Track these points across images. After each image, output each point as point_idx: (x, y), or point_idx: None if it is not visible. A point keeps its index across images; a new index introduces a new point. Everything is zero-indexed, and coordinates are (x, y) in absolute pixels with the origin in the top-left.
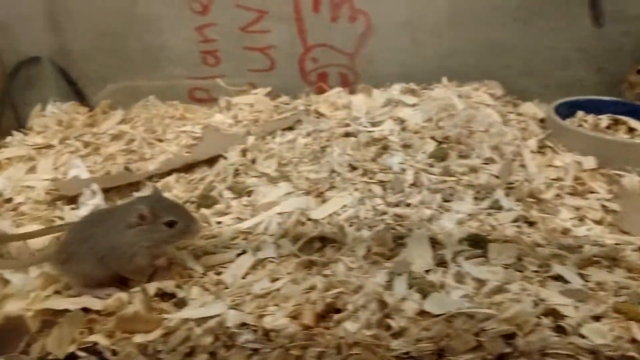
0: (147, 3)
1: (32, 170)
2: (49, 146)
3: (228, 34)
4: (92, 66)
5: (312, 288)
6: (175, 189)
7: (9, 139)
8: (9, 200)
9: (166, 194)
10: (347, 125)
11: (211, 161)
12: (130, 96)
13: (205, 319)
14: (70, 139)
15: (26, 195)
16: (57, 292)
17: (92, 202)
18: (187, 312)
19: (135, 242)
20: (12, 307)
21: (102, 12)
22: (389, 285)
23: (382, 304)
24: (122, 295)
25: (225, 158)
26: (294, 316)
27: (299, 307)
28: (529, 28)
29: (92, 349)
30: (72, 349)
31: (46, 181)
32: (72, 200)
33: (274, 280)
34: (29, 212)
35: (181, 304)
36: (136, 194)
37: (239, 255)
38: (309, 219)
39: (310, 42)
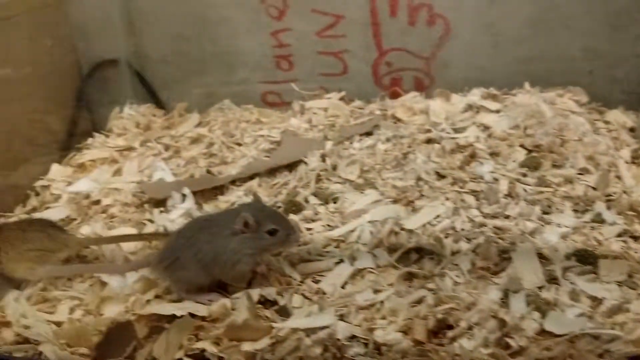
0: (222, 8)
1: (117, 172)
2: (130, 148)
3: (302, 39)
4: (166, 69)
5: (419, 302)
6: (259, 193)
7: (90, 140)
8: (97, 202)
9: (250, 199)
10: (428, 131)
11: (291, 166)
12: (204, 99)
13: (314, 330)
14: (151, 141)
15: (114, 197)
16: (157, 297)
17: (182, 205)
18: (295, 322)
19: (238, 249)
20: (111, 311)
21: (177, 15)
22: (503, 302)
23: (501, 322)
24: (226, 302)
25: (305, 163)
26: (405, 331)
27: (409, 322)
28: (618, 34)
29: (199, 356)
30: (179, 355)
31: (132, 183)
32: (160, 203)
33: (377, 291)
34: (119, 215)
35: (283, 312)
36: (221, 198)
37: (336, 263)
38: (403, 229)
39: (386, 46)
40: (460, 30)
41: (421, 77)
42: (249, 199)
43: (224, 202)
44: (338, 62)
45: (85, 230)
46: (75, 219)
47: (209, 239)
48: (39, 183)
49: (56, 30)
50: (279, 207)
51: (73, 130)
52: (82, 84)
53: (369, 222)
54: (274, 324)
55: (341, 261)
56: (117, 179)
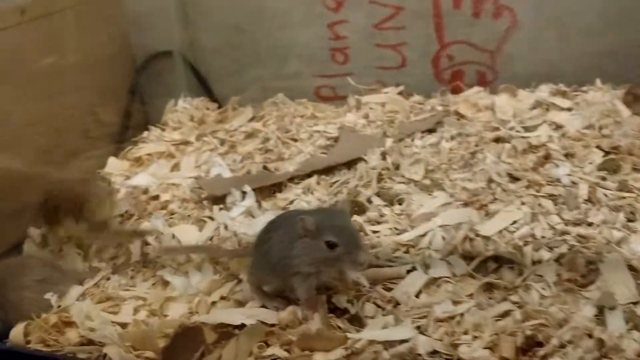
0: None
1: (175, 167)
2: (186, 142)
3: (359, 31)
4: (220, 61)
5: (504, 316)
6: (317, 192)
7: (145, 134)
8: (156, 197)
9: (308, 197)
10: (496, 129)
11: (349, 163)
12: (257, 93)
13: (393, 343)
14: (206, 135)
15: (172, 193)
16: (223, 298)
17: (243, 203)
18: (372, 333)
19: (298, 254)
20: (175, 312)
21: (232, 7)
22: (597, 319)
23: (598, 342)
24: (296, 309)
25: (365, 161)
26: (491, 347)
27: (495, 338)
28: None
29: None
30: None
31: (190, 179)
32: (218, 200)
33: (456, 303)
34: (178, 211)
35: (355, 321)
36: (279, 195)
37: (408, 271)
38: (478, 235)
39: (448, 38)
40: (526, 22)
41: (484, 71)
42: (308, 198)
43: (282, 199)
44: (396, 55)
45: (145, 227)
46: (133, 215)
47: (281, 238)
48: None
49: (110, 21)
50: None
51: (127, 123)
52: (136, 76)
53: (440, 226)
54: (348, 335)
55: (413, 268)
56: (175, 174)
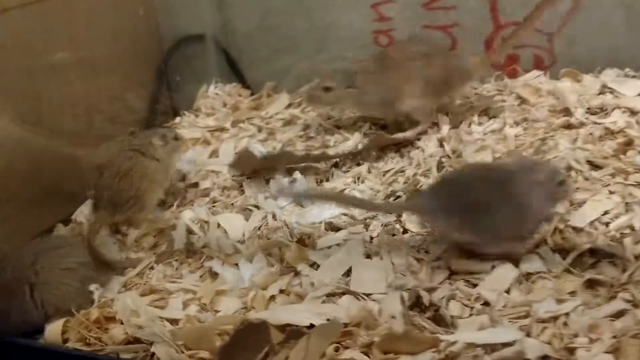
0: None
1: (214, 154)
2: (221, 129)
3: (406, 11)
4: (253, 46)
5: (617, 316)
6: (369, 181)
7: (177, 119)
8: (195, 184)
9: (360, 186)
10: (564, 114)
11: (400, 150)
12: (292, 78)
13: (494, 346)
14: (242, 122)
15: (212, 180)
16: (282, 292)
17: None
18: (470, 335)
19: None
20: (226, 307)
21: None
22: None
23: None
24: (370, 305)
25: (418, 147)
26: (611, 352)
27: (616, 341)
28: None
29: None
30: None
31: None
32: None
33: (560, 301)
34: (221, 199)
35: (439, 319)
36: (327, 184)
37: (493, 266)
38: (567, 226)
39: (503, 20)
40: (590, 5)
41: (542, 55)
42: (360, 187)
43: (330, 188)
44: (446, 37)
45: (188, 215)
46: (171, 205)
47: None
48: None
49: (140, 3)
50: (399, 196)
51: (154, 108)
52: (164, 60)
53: None
54: (441, 336)
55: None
56: (214, 161)
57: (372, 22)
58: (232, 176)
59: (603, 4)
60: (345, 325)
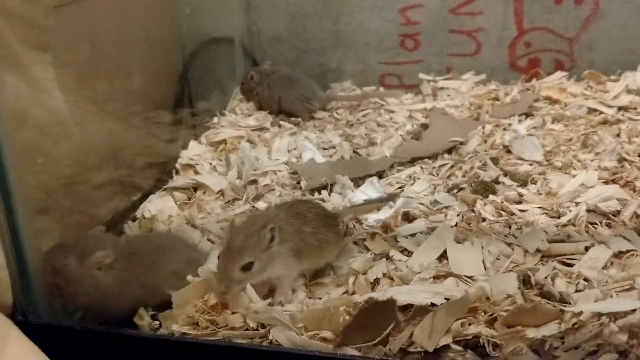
0: None
1: (267, 153)
2: (261, 128)
3: (434, 16)
4: (279, 49)
5: None
6: (422, 179)
7: (215, 119)
8: (253, 181)
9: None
10: (599, 112)
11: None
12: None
13: (617, 314)
14: (282, 121)
15: (270, 177)
16: (384, 275)
17: (366, 191)
18: (594, 305)
19: None
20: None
21: None
22: None
23: None
24: (485, 285)
25: (462, 143)
26: None
27: None
28: None
29: (469, 342)
30: (445, 341)
31: (283, 164)
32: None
33: None
34: (284, 196)
35: (548, 296)
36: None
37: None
38: None
39: (527, 25)
40: (609, 9)
41: (562, 59)
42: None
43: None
44: (471, 41)
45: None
46: (229, 201)
47: None
48: (181, 160)
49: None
50: (462, 188)
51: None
52: (188, 62)
53: (594, 204)
54: (566, 308)
55: (592, 245)
56: (267, 159)
57: (400, 26)
58: (290, 174)
59: (622, 11)
60: None
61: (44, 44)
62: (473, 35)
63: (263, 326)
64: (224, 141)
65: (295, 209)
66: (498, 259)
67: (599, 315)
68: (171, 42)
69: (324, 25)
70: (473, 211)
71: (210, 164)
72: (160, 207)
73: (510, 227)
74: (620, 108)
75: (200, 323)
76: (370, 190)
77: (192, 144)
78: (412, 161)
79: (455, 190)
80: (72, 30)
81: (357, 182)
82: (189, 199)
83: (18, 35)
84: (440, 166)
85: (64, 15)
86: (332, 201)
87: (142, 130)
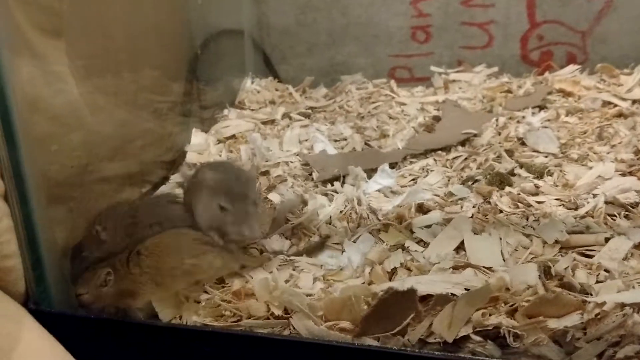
0: None
1: (278, 144)
2: (272, 121)
3: (445, 8)
4: (288, 41)
5: None
6: (435, 171)
7: (225, 111)
8: (265, 173)
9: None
10: (613, 105)
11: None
12: (324, 74)
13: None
14: (292, 113)
15: (282, 168)
16: (401, 265)
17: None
18: (617, 296)
19: None
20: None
21: None
22: None
23: None
24: (505, 275)
25: (476, 135)
26: None
27: None
28: None
29: (489, 333)
30: (465, 331)
31: (295, 155)
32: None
33: None
34: (297, 189)
35: (568, 287)
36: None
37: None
38: None
39: (539, 18)
40: (622, 2)
41: (574, 53)
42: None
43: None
44: (482, 34)
45: (276, 199)
46: None
47: None
48: (189, 152)
49: None
50: (477, 180)
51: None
52: (198, 54)
53: (612, 195)
54: (589, 298)
55: (612, 236)
56: (278, 150)
57: (411, 18)
58: (302, 165)
59: (635, 4)
60: None
61: (57, 29)
62: (485, 27)
63: (286, 313)
64: (234, 136)
65: None
66: (516, 250)
67: (622, 305)
68: (181, 34)
69: (334, 18)
70: (489, 203)
71: (220, 155)
72: None
73: (527, 219)
74: (634, 101)
75: (224, 312)
76: (383, 178)
77: (201, 135)
78: (425, 153)
79: (470, 182)
80: (84, 20)
81: (369, 173)
82: None
83: (32, 20)
84: (454, 158)
85: (75, 4)
86: (345, 192)
87: (152, 122)
